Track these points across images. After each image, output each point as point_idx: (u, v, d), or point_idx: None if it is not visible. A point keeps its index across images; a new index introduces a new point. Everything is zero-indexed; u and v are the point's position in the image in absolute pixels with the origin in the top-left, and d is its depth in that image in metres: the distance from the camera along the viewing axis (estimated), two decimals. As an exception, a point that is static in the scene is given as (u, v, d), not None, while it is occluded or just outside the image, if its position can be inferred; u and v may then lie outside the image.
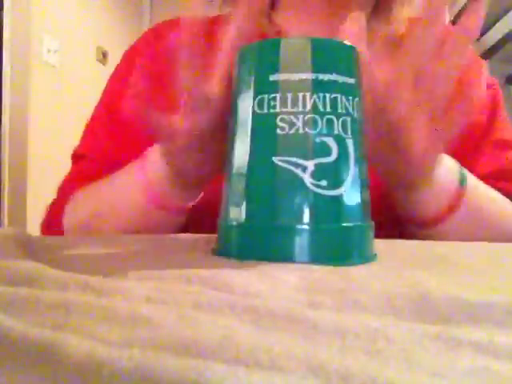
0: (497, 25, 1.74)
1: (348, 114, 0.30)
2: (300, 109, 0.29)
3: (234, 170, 0.32)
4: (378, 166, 0.41)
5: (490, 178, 0.52)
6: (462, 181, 0.44)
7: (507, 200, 0.51)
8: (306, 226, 0.29)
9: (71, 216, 0.54)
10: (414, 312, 0.19)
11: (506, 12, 1.71)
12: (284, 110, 0.29)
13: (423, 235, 0.46)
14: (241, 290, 0.21)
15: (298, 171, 0.29)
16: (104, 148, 0.60)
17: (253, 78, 0.31)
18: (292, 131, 0.29)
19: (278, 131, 0.29)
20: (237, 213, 0.31)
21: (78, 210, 0.53)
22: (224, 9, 0.64)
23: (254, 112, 0.31)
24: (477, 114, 0.58)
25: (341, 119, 0.30)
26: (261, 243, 0.30)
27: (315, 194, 0.29)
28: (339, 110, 0.30)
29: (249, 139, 0.31)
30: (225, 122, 0.35)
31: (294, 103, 0.29)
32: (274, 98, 0.30)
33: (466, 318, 0.18)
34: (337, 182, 0.29)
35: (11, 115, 2.10)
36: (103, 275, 0.23)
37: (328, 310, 0.19)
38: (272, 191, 0.30)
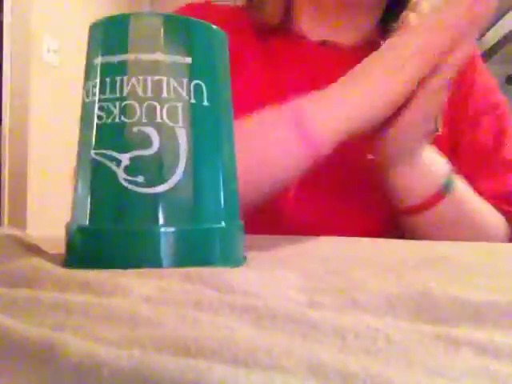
0: (497, 25, 1.74)
1: (180, 99, 0.26)
2: (117, 95, 0.26)
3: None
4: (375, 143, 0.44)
5: (494, 199, 0.53)
6: (450, 178, 0.47)
7: (494, 211, 0.53)
8: (123, 229, 0.26)
9: None
10: (414, 312, 0.19)
11: (506, 12, 1.71)
12: (102, 96, 0.26)
13: (410, 225, 0.49)
14: (241, 290, 0.21)
15: (113, 165, 0.26)
16: None
17: (86, 62, 0.29)
18: (109, 120, 0.26)
19: (97, 121, 0.26)
20: (73, 213, 0.28)
21: None
22: None
23: (83, 101, 0.28)
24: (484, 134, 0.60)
25: (167, 105, 0.26)
26: (87, 248, 0.27)
27: (129, 191, 0.25)
28: (164, 95, 0.26)
29: (79, 132, 0.29)
30: None
31: (112, 89, 0.26)
32: (95, 85, 0.27)
33: (466, 317, 0.18)
34: (158, 178, 0.26)
35: (11, 115, 2.10)
36: (103, 275, 0.23)
37: (328, 309, 0.19)
38: (90, 189, 0.27)
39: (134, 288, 0.21)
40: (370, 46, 0.63)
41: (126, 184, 0.25)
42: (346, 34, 0.63)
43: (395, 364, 0.14)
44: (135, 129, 0.26)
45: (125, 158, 0.26)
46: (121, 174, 0.25)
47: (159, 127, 0.26)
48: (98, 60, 0.27)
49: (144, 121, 0.26)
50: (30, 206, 2.12)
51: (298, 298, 0.21)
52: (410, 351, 0.15)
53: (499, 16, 1.74)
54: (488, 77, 0.64)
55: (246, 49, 0.61)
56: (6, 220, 2.06)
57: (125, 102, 0.26)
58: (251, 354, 0.14)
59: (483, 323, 0.18)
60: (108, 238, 0.26)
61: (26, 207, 2.12)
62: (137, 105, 0.26)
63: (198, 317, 0.17)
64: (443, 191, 0.46)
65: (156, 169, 0.26)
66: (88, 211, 0.27)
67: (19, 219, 2.09)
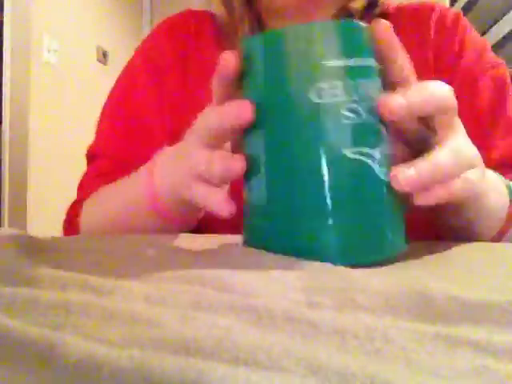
0: (497, 25, 1.74)
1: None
2: (363, 96, 0.28)
3: (294, 165, 0.29)
4: None
5: (502, 167, 0.50)
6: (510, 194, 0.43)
7: None
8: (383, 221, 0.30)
9: (85, 225, 0.55)
10: (413, 312, 0.19)
11: (506, 12, 1.70)
12: (349, 98, 0.28)
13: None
14: (241, 290, 0.21)
15: (369, 161, 0.28)
16: (118, 145, 0.60)
17: (302, 65, 0.29)
18: (360, 121, 0.28)
19: (345, 121, 0.28)
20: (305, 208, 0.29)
21: (89, 220, 0.55)
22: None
23: (308, 102, 0.28)
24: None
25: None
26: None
27: (385, 183, 0.29)
28: (378, 97, 0.29)
29: (306, 130, 0.29)
30: None
31: (356, 91, 0.28)
32: (335, 86, 0.28)
33: (465, 317, 0.18)
34: (389, 171, 0.29)
35: (11, 115, 2.10)
36: (103, 275, 0.23)
37: (327, 309, 0.19)
38: (349, 186, 0.28)
39: (134, 288, 0.21)
40: None
41: (382, 177, 0.29)
42: None
43: (394, 364, 0.14)
44: (378, 127, 0.29)
45: (377, 154, 0.28)
46: (377, 169, 0.28)
47: (385, 126, 0.30)
48: (338, 63, 0.28)
49: (378, 120, 0.29)
50: (29, 206, 2.12)
51: (298, 298, 0.21)
52: (409, 351, 0.15)
53: (499, 16, 1.74)
54: (478, 38, 0.61)
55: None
56: (6, 220, 2.06)
57: (370, 103, 0.29)
58: (251, 353, 0.14)
59: (482, 323, 0.18)
60: (367, 231, 0.29)
61: (26, 207, 2.12)
62: (375, 106, 0.29)
63: (198, 317, 0.17)
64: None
65: (392, 162, 0.29)
66: (343, 206, 0.28)
67: (19, 219, 2.09)
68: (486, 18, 1.79)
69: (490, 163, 0.44)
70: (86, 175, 0.62)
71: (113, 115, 0.63)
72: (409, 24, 0.60)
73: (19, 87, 2.14)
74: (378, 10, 0.61)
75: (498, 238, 0.43)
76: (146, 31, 3.01)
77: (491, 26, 1.77)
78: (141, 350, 0.13)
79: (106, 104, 0.64)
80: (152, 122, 0.60)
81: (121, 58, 2.73)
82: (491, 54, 0.60)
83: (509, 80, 0.59)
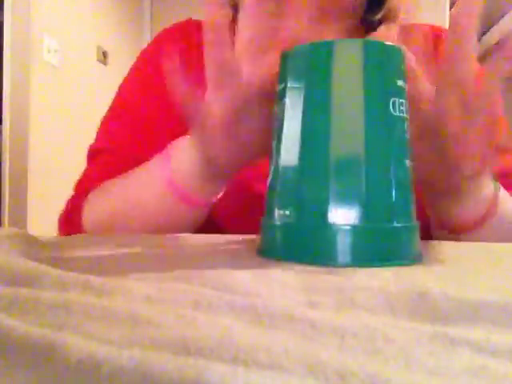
0: (497, 25, 1.75)
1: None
2: (404, 115, 0.32)
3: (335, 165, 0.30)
4: (423, 174, 0.41)
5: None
6: (495, 187, 0.45)
7: None
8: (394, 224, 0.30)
9: (91, 214, 0.53)
10: (413, 311, 0.19)
11: (506, 12, 1.71)
12: (404, 115, 0.32)
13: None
14: (240, 290, 0.21)
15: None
16: (122, 142, 0.60)
17: (380, 81, 0.32)
18: (407, 135, 0.32)
19: (407, 136, 0.32)
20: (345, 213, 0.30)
21: (98, 208, 0.53)
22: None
23: (387, 113, 0.31)
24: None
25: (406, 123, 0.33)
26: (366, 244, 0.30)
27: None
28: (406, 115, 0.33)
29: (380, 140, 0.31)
30: (255, 107, 0.37)
31: (401, 109, 0.32)
32: (402, 104, 0.32)
33: (464, 317, 0.19)
34: None
35: (11, 115, 2.10)
36: (103, 275, 0.23)
37: (327, 309, 0.20)
38: (405, 192, 0.31)
39: (134, 288, 0.21)
40: None
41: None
42: (319, 37, 0.62)
43: (394, 363, 0.14)
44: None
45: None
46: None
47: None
48: (400, 83, 0.32)
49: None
50: (30, 205, 2.12)
51: (297, 298, 0.21)
52: (408, 350, 0.15)
53: (499, 16, 1.75)
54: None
55: None
56: (6, 220, 2.06)
57: (407, 122, 0.33)
58: (250, 353, 0.14)
59: (481, 322, 0.18)
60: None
61: (26, 207, 2.12)
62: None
63: (197, 316, 0.17)
64: (494, 206, 0.44)
65: None
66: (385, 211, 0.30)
67: (19, 219, 2.09)
68: (486, 18, 1.80)
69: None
70: (87, 171, 0.60)
71: (117, 115, 0.63)
72: (420, 44, 0.60)
73: (19, 87, 2.14)
74: (396, 22, 0.62)
75: (486, 218, 0.44)
76: (146, 31, 3.01)
77: (491, 26, 1.77)
78: (141, 350, 0.13)
79: (111, 105, 0.64)
80: (160, 124, 0.59)
81: (121, 57, 2.73)
82: None
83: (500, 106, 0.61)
